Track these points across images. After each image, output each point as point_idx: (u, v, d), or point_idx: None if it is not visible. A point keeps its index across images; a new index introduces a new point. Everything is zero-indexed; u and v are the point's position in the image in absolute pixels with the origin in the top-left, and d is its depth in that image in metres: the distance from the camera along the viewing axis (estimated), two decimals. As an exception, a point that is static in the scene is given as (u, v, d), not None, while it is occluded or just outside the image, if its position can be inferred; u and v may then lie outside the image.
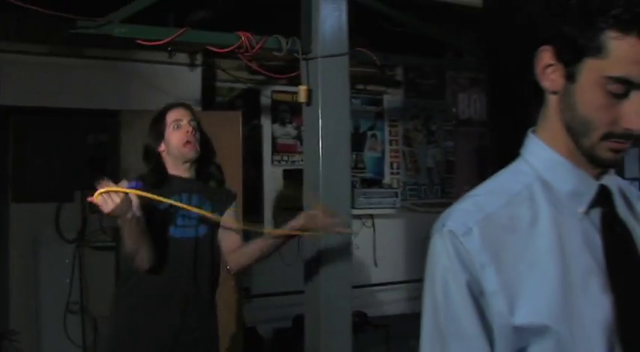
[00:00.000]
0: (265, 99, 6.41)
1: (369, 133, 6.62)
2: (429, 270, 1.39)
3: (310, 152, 3.79)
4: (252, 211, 6.09)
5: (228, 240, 3.37)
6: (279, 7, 4.14)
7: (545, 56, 1.38)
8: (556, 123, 1.39)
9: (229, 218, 3.43)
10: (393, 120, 6.76)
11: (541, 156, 1.42)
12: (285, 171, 6.27)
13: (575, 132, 1.35)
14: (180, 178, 3.31)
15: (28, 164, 5.93)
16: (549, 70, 1.38)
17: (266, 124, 6.44)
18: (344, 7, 3.79)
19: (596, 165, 1.36)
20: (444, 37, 4.29)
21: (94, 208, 5.84)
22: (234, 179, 5.19)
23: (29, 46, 5.24)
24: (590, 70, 1.31)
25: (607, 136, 1.32)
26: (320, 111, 3.72)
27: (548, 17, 1.39)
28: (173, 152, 3.28)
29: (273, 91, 6.34)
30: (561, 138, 1.39)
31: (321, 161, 3.67)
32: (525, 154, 1.45)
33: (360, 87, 6.41)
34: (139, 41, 3.77)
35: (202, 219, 3.28)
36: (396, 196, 6.69)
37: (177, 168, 3.30)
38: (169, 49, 4.69)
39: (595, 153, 1.34)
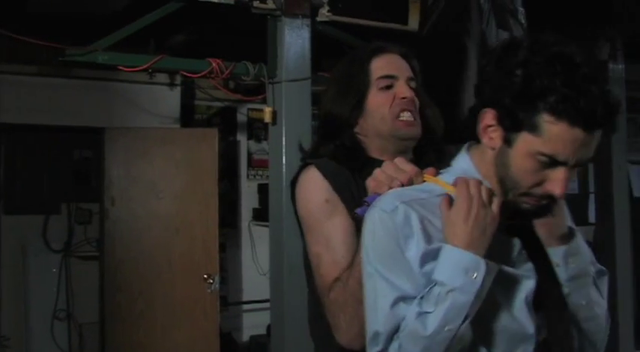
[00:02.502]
0: (241, 117, 6.66)
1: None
2: (366, 240, 1.65)
3: (275, 168, 4.04)
4: (228, 224, 6.39)
5: None
6: (248, 32, 4.39)
7: (487, 117, 1.59)
8: (491, 166, 1.63)
9: None
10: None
11: (460, 167, 1.70)
12: (259, 185, 6.47)
13: (504, 184, 1.60)
14: None
15: (18, 178, 6.14)
16: (490, 129, 1.59)
17: (242, 140, 6.68)
18: (307, 35, 4.06)
19: (516, 214, 1.62)
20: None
21: (80, 219, 6.20)
22: (211, 192, 5.51)
23: (19, 66, 5.43)
24: (526, 142, 1.51)
25: (526, 194, 1.56)
26: (284, 130, 3.98)
27: (495, 83, 1.55)
28: (376, 127, 2.09)
29: (249, 109, 6.59)
30: (491, 172, 1.63)
31: (284, 176, 3.90)
32: (453, 163, 1.74)
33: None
34: (120, 68, 3.98)
35: None
36: (363, 210, 6.81)
37: (381, 151, 2.11)
38: (150, 70, 4.96)
39: (517, 205, 1.60)
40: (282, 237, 3.89)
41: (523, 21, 3.89)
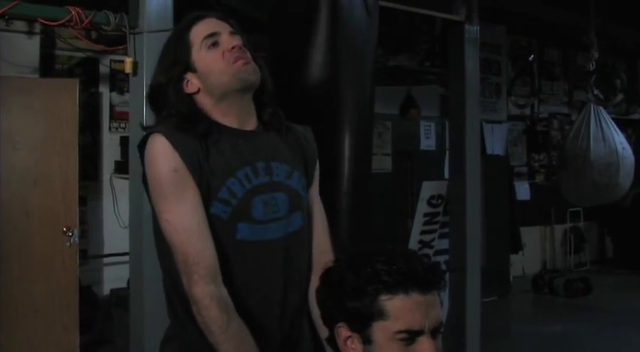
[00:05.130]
0: (104, 68, 6.56)
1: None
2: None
3: (136, 120, 4.00)
4: (90, 177, 6.31)
5: (318, 230, 2.25)
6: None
7: (342, 331, 1.67)
8: None
9: (316, 185, 2.31)
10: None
11: None
12: (122, 137, 6.41)
13: None
14: (238, 132, 2.11)
15: None
16: (349, 341, 1.67)
17: (105, 92, 6.60)
18: (169, -14, 4.06)
19: None
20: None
21: None
22: (71, 144, 5.41)
23: None
24: (381, 330, 1.59)
25: None
26: (145, 82, 3.95)
27: (333, 300, 1.68)
28: (218, 82, 2.08)
29: (112, 60, 6.50)
30: None
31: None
32: None
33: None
34: (-30, 12, 3.83)
35: (296, 203, 2.14)
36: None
37: (228, 113, 2.12)
38: (6, 17, 4.79)
39: None
40: (143, 190, 3.87)
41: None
